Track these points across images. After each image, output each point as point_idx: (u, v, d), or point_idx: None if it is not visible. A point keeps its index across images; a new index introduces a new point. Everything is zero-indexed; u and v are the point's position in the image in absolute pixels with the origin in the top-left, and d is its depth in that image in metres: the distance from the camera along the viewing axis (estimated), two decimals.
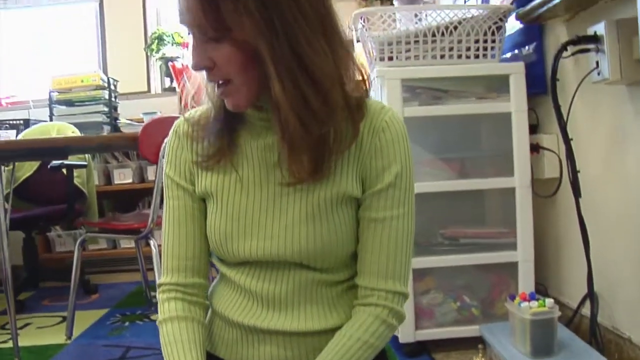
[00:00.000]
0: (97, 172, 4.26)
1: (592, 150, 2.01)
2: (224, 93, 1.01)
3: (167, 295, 1.12)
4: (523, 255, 2.24)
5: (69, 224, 4.12)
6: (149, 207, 4.34)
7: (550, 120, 2.25)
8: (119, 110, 4.49)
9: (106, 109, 4.29)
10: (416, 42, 2.24)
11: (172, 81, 4.65)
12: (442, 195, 2.27)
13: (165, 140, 1.16)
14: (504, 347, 1.97)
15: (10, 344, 2.67)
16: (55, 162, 3.06)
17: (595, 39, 1.78)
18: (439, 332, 2.28)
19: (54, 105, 4.28)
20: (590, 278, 1.97)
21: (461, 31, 2.23)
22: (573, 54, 1.88)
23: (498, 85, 2.25)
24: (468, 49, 2.26)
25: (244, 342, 1.12)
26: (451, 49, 2.25)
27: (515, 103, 2.21)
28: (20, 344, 2.64)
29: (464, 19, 2.23)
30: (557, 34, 2.19)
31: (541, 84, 2.27)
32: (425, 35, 2.23)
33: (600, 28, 1.76)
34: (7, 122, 4.28)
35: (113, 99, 4.39)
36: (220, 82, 1.00)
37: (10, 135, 4.22)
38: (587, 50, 1.83)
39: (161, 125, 2.40)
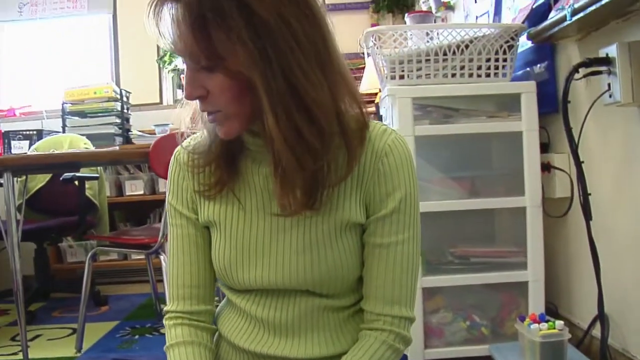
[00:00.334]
0: (109, 183, 4.28)
1: (604, 172, 2.00)
2: (215, 120, 0.99)
3: (174, 321, 1.12)
4: (533, 274, 2.22)
5: (81, 235, 4.14)
6: (160, 219, 4.38)
7: (561, 139, 2.24)
8: (131, 121, 4.52)
9: (118, 121, 4.32)
10: (427, 60, 2.24)
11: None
12: (453, 214, 2.26)
13: None
14: None
15: (20, 356, 2.68)
16: (67, 175, 3.08)
17: (607, 61, 1.77)
18: (449, 352, 2.26)
19: (66, 116, 4.32)
20: (601, 300, 1.96)
21: (472, 50, 2.23)
22: (585, 76, 1.87)
23: (509, 104, 2.25)
24: (479, 67, 2.25)
25: None
26: (462, 67, 2.25)
27: (527, 122, 2.20)
28: (30, 355, 2.65)
29: (476, 38, 2.23)
30: (569, 53, 2.18)
31: (552, 102, 2.26)
32: (436, 54, 2.22)
33: (612, 50, 1.75)
34: (21, 132, 4.32)
35: (125, 111, 4.42)
36: (212, 111, 0.98)
37: (23, 145, 4.26)
38: (599, 72, 1.82)
39: (172, 141, 2.39)
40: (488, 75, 2.26)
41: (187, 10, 0.88)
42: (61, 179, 3.06)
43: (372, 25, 4.72)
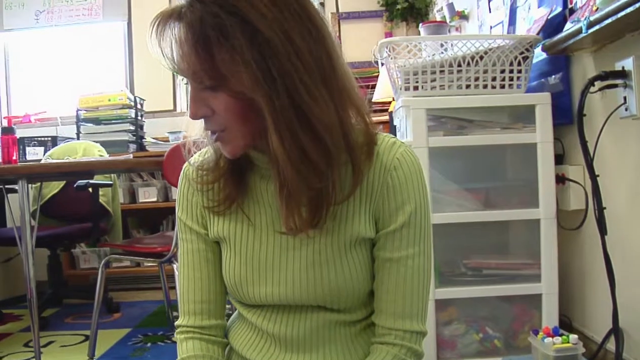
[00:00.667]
0: (122, 190, 4.30)
1: (619, 186, 1.99)
2: (219, 139, 0.98)
3: (185, 335, 1.12)
4: (547, 287, 2.21)
5: (94, 242, 4.16)
6: (173, 226, 4.40)
7: (576, 151, 2.23)
8: (145, 128, 4.54)
9: (132, 128, 4.34)
10: (442, 71, 2.23)
11: None
12: (466, 225, 2.25)
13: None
14: None
15: None
16: (81, 182, 3.09)
17: (623, 74, 1.77)
18: None
19: (81, 123, 4.35)
20: (616, 314, 1.94)
21: (487, 61, 2.22)
22: (600, 89, 1.87)
23: (524, 116, 2.24)
24: (494, 79, 2.25)
25: None
26: (477, 79, 2.25)
27: (541, 134, 2.19)
28: None
29: (490, 49, 2.22)
30: (584, 64, 2.17)
31: (567, 114, 2.25)
32: (450, 65, 2.22)
33: (628, 63, 1.75)
34: (36, 138, 4.36)
35: (139, 118, 4.44)
36: (217, 130, 0.97)
37: (38, 151, 4.29)
38: (615, 86, 1.81)
39: None
40: (503, 86, 2.25)
41: (190, 30, 0.88)
42: (75, 186, 3.08)
43: (386, 34, 4.73)
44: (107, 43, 5.01)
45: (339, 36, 4.75)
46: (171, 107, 4.85)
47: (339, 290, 1.04)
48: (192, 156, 1.12)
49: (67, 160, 3.35)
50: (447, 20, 3.62)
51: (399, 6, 4.65)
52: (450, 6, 3.62)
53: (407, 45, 2.24)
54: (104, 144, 4.05)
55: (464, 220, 2.24)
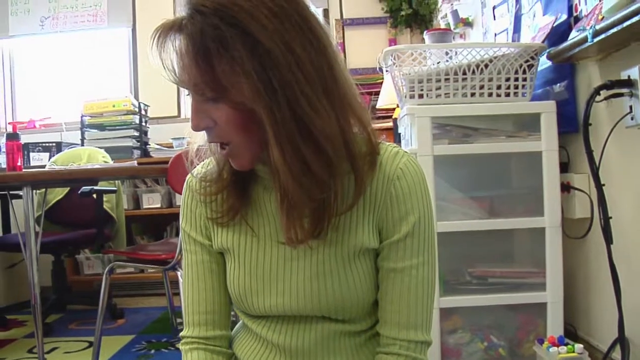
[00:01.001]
0: (126, 196, 4.30)
1: (625, 195, 1.99)
2: (228, 155, 0.98)
3: (190, 346, 1.12)
4: (552, 296, 2.20)
5: (98, 248, 4.16)
6: (177, 233, 4.40)
7: (581, 159, 2.23)
8: (149, 134, 4.55)
9: (136, 134, 4.35)
10: (447, 79, 2.23)
11: None
12: (471, 234, 2.25)
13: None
14: None
15: None
16: (85, 188, 3.10)
17: (629, 83, 1.76)
18: None
19: (85, 129, 4.35)
20: (621, 323, 1.93)
21: (492, 69, 2.22)
22: (606, 98, 1.86)
23: (529, 124, 2.24)
24: (499, 87, 2.24)
25: None
26: (482, 87, 2.25)
27: (546, 142, 2.19)
28: None
29: (495, 57, 2.22)
30: (589, 73, 2.17)
31: (572, 122, 2.25)
32: (455, 73, 2.22)
33: (634, 72, 1.74)
34: (40, 144, 4.36)
35: (143, 124, 4.45)
36: (222, 143, 0.97)
37: (42, 157, 4.30)
38: (621, 95, 1.81)
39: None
40: (508, 94, 2.25)
41: (190, 42, 0.88)
42: (79, 192, 3.09)
43: (390, 40, 4.73)
44: (112, 49, 5.02)
45: (343, 42, 4.75)
46: (175, 114, 4.86)
47: (344, 300, 1.04)
48: (194, 167, 1.12)
49: (71, 167, 3.35)
50: (452, 27, 3.62)
51: (403, 13, 4.66)
52: (455, 13, 3.62)
53: (412, 53, 2.24)
54: (108, 149, 4.05)
55: (468, 229, 2.23)
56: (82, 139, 4.36)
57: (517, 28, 2.73)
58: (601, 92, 1.86)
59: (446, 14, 3.83)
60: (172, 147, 4.32)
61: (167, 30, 0.91)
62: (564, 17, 2.22)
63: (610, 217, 1.89)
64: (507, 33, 2.87)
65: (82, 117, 4.38)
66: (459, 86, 2.24)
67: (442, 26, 3.95)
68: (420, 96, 2.25)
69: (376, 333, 1.09)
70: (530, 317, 2.30)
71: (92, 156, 3.89)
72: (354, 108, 0.98)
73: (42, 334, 2.66)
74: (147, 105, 4.56)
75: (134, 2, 4.88)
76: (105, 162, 3.82)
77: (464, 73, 2.23)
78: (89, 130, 4.36)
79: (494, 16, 3.10)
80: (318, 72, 0.92)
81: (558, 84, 2.35)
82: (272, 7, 0.88)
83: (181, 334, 1.14)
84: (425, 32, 2.69)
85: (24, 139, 3.93)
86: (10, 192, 3.22)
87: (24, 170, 2.99)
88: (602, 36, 1.76)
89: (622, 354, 1.95)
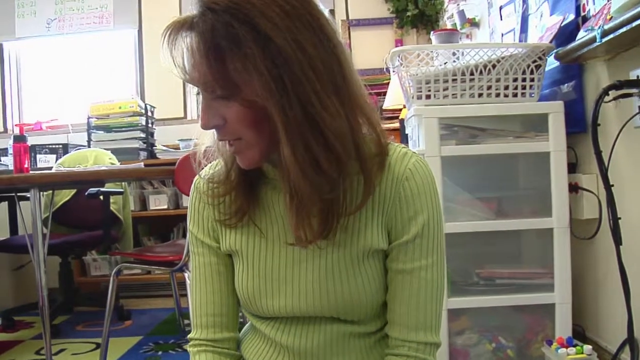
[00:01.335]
0: (133, 198, 4.31)
1: (634, 195, 1.98)
2: (236, 151, 0.98)
3: (198, 348, 1.12)
4: (560, 297, 2.20)
5: (105, 250, 4.16)
6: (184, 234, 4.40)
7: (589, 159, 2.22)
8: (156, 136, 4.55)
9: (143, 135, 4.36)
10: (454, 80, 2.23)
11: None
12: (479, 234, 2.24)
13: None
14: None
15: None
16: (92, 190, 3.10)
17: (638, 83, 1.76)
18: None
19: (92, 130, 4.36)
20: (631, 324, 1.93)
21: (499, 70, 2.22)
22: (615, 99, 1.85)
23: (536, 124, 2.23)
24: (506, 87, 2.24)
25: None
26: (489, 87, 2.24)
27: (554, 142, 2.18)
28: None
29: (503, 58, 2.22)
30: (597, 73, 2.16)
31: (580, 122, 2.24)
32: (463, 73, 2.22)
33: None
34: (47, 146, 4.38)
35: (150, 125, 4.45)
36: (231, 140, 0.97)
37: (49, 159, 4.31)
38: (630, 95, 1.80)
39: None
40: (515, 95, 2.24)
41: (202, 39, 0.88)
42: (86, 194, 3.09)
43: (396, 41, 4.73)
44: (118, 51, 5.03)
45: (349, 43, 4.75)
46: (182, 115, 4.86)
47: (352, 302, 1.03)
48: (202, 168, 1.11)
49: (78, 169, 3.36)
50: (458, 28, 3.62)
51: (409, 13, 4.65)
52: (461, 13, 3.61)
53: (419, 53, 2.24)
54: (114, 151, 4.06)
55: (476, 230, 2.23)
56: (89, 140, 4.37)
57: (524, 28, 2.72)
58: (610, 92, 1.85)
59: (452, 14, 3.83)
60: (178, 148, 4.33)
61: (178, 28, 0.91)
62: (572, 17, 2.21)
63: (620, 218, 1.88)
64: (514, 33, 2.87)
65: (88, 118, 4.39)
66: (467, 87, 2.24)
67: (449, 26, 3.94)
68: (428, 97, 2.24)
69: (386, 335, 1.09)
70: (539, 318, 2.29)
71: (99, 158, 3.90)
72: (363, 107, 0.98)
73: (49, 335, 2.66)
74: (154, 107, 4.56)
75: (140, 4, 4.88)
76: (112, 163, 3.82)
77: (472, 73, 2.22)
78: (95, 132, 4.37)
79: (501, 16, 3.09)
80: (328, 70, 0.92)
81: (566, 84, 2.34)
82: (283, 5, 0.89)
83: (189, 336, 1.14)
84: (432, 32, 2.68)
85: (31, 140, 3.93)
86: (18, 194, 3.22)
87: (31, 172, 2.99)
88: (611, 36, 1.75)
89: (632, 354, 1.95)
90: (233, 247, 1.09)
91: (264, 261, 1.06)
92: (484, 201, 2.30)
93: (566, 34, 2.21)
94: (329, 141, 0.91)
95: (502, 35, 3.07)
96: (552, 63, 2.35)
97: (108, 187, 3.39)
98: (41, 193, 2.96)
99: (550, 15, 2.40)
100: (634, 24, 1.63)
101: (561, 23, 2.23)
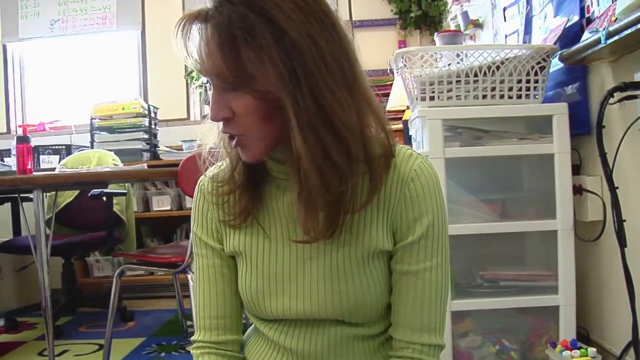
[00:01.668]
0: (136, 199, 4.30)
1: (639, 197, 1.97)
2: (238, 143, 0.98)
3: (201, 351, 1.12)
4: (564, 299, 2.19)
5: (108, 251, 4.16)
6: (187, 235, 4.40)
7: (594, 161, 2.21)
8: (159, 137, 4.55)
9: (146, 136, 4.35)
10: (458, 82, 2.22)
11: None
12: (483, 236, 2.24)
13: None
14: None
15: None
16: (95, 191, 3.10)
17: None
18: None
19: (95, 131, 4.36)
20: (635, 327, 1.92)
21: (503, 71, 2.21)
22: (619, 101, 1.85)
23: (541, 126, 2.23)
24: (510, 89, 2.23)
25: None
26: (493, 89, 2.23)
27: (558, 144, 2.17)
28: None
29: (507, 59, 2.21)
30: (602, 74, 2.16)
31: (585, 124, 2.23)
32: (467, 75, 2.21)
33: None
34: (50, 147, 4.38)
35: (153, 126, 4.45)
36: (236, 134, 0.97)
37: (52, 160, 4.32)
38: (634, 97, 1.79)
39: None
40: (519, 96, 2.24)
41: (217, 29, 0.89)
42: (89, 195, 3.09)
43: (399, 42, 4.72)
44: (121, 52, 5.04)
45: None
46: (185, 116, 4.86)
47: (357, 303, 1.03)
48: (207, 166, 1.12)
49: (81, 170, 3.36)
50: (462, 29, 3.61)
51: (412, 14, 4.65)
52: (465, 15, 3.61)
53: (423, 55, 2.23)
54: (118, 152, 4.06)
55: (480, 232, 2.22)
56: (92, 141, 4.37)
57: (528, 30, 2.72)
58: (615, 94, 1.84)
59: (456, 16, 3.82)
60: (181, 149, 4.33)
61: (192, 19, 0.93)
62: (576, 18, 2.21)
63: (624, 220, 1.87)
64: (518, 34, 2.86)
65: (91, 119, 4.39)
66: (470, 88, 2.23)
67: (452, 28, 3.93)
68: (432, 98, 2.24)
69: (390, 337, 1.09)
70: (542, 321, 2.28)
71: (102, 159, 3.90)
72: (372, 106, 0.99)
73: (52, 336, 2.66)
74: (157, 108, 4.56)
75: (143, 5, 4.89)
76: (115, 164, 3.82)
77: (475, 75, 2.22)
78: (98, 133, 4.37)
79: (505, 17, 3.09)
80: (339, 66, 0.93)
81: (570, 86, 2.34)
82: (297, 1, 0.91)
83: (192, 338, 1.14)
84: (435, 33, 2.68)
85: (34, 141, 3.94)
86: (21, 195, 3.22)
87: (34, 172, 2.99)
88: (616, 38, 1.75)
89: (636, 357, 1.93)
90: (237, 248, 1.09)
91: (268, 261, 1.06)
92: (487, 203, 2.29)
93: (570, 35, 2.21)
94: (340, 133, 0.92)
95: (506, 36, 3.06)
96: (556, 65, 2.34)
97: (111, 188, 3.40)
98: (44, 194, 2.96)
99: (555, 16, 2.39)
100: (639, 25, 1.62)
101: (565, 24, 2.23)
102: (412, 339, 1.04)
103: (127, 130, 4.33)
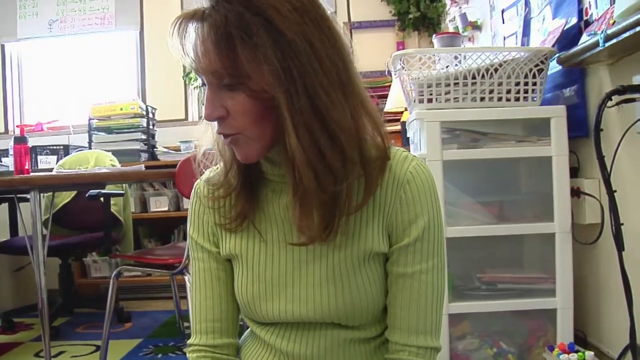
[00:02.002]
0: (134, 200, 4.30)
1: (636, 201, 1.97)
2: (233, 142, 0.98)
3: (197, 354, 1.12)
4: (562, 302, 2.18)
5: (106, 252, 4.16)
6: (184, 236, 4.39)
7: (591, 164, 2.21)
8: (157, 137, 4.55)
9: (144, 137, 4.35)
10: (456, 84, 2.22)
11: None
12: (480, 239, 2.24)
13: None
14: None
15: None
16: (92, 192, 3.10)
17: None
18: None
19: (93, 132, 4.36)
20: (633, 331, 1.91)
21: (502, 73, 2.21)
22: (617, 104, 1.84)
23: (539, 128, 2.22)
24: (508, 91, 2.23)
25: None
26: (491, 91, 2.23)
27: (556, 147, 2.17)
28: None
29: (505, 62, 2.21)
30: (600, 77, 2.15)
31: (583, 127, 2.23)
32: (465, 77, 2.21)
33: None
34: (48, 147, 4.37)
35: (151, 127, 4.45)
36: (231, 134, 0.97)
37: (50, 160, 4.31)
38: (632, 100, 1.79)
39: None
40: (517, 99, 2.23)
41: (213, 28, 0.89)
42: (87, 195, 3.09)
43: (398, 44, 4.72)
44: (119, 52, 5.04)
45: (351, 46, 4.73)
46: (183, 117, 4.86)
47: (354, 306, 1.03)
48: (202, 170, 1.12)
49: (79, 171, 3.35)
50: (460, 31, 3.61)
51: (411, 16, 4.65)
52: (463, 16, 3.61)
53: (421, 57, 2.23)
54: (115, 152, 4.06)
55: (478, 234, 2.22)
56: (90, 141, 4.37)
57: (526, 32, 2.72)
58: (613, 97, 1.84)
59: (454, 17, 3.82)
60: (179, 150, 4.33)
61: (188, 18, 0.93)
62: (574, 20, 2.21)
63: (622, 224, 1.87)
64: (516, 37, 2.86)
65: (89, 120, 4.39)
66: (468, 90, 2.23)
67: (451, 29, 3.94)
68: (430, 100, 2.23)
69: (386, 340, 1.08)
70: (540, 323, 2.28)
71: (100, 159, 3.89)
72: (367, 107, 1.00)
73: (49, 337, 2.66)
74: (155, 108, 4.57)
75: (141, 5, 4.89)
76: (113, 165, 3.82)
77: (474, 77, 2.21)
78: (96, 133, 4.37)
79: (503, 19, 3.09)
80: (335, 67, 0.94)
81: (568, 89, 2.33)
82: (293, 2, 0.91)
83: (189, 341, 1.14)
84: (434, 35, 2.67)
85: (32, 141, 3.94)
86: (18, 195, 3.22)
87: (31, 173, 2.99)
88: (614, 41, 1.74)
89: None
90: (233, 252, 1.08)
91: (264, 265, 1.06)
92: (485, 205, 2.29)
93: (569, 38, 2.21)
94: (334, 133, 0.92)
95: (504, 38, 3.06)
96: (554, 67, 2.34)
97: (109, 189, 3.40)
98: (41, 195, 2.96)
99: (553, 18, 2.39)
100: (638, 28, 1.62)
101: (564, 27, 2.23)
102: (408, 342, 1.04)
103: (125, 130, 4.34)
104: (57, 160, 4.22)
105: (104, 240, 3.51)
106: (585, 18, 2.15)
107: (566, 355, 1.88)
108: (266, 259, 1.06)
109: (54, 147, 4.40)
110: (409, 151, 1.07)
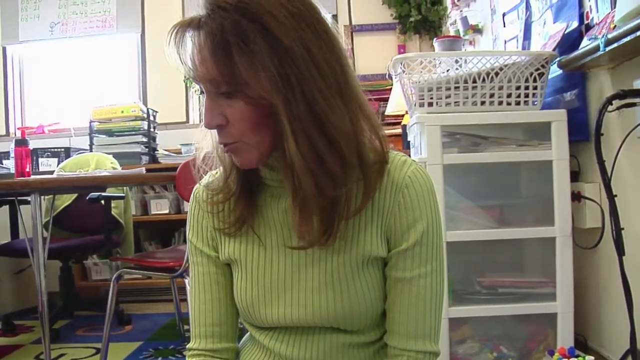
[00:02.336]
0: (134, 202, 4.29)
1: (637, 206, 1.97)
2: (232, 150, 0.98)
3: (197, 359, 1.11)
4: (562, 306, 2.18)
5: (106, 255, 4.16)
6: (185, 239, 4.38)
7: (592, 168, 2.21)
8: (158, 140, 4.55)
9: (145, 140, 4.35)
10: (456, 88, 2.22)
11: None
12: (481, 243, 2.24)
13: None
14: None
15: None
16: (93, 194, 3.10)
17: None
18: None
19: (94, 134, 4.36)
20: (633, 335, 1.91)
21: (502, 77, 2.21)
22: (618, 108, 1.84)
23: (539, 132, 2.22)
24: (509, 95, 2.23)
25: None
26: (492, 95, 2.23)
27: (557, 151, 2.17)
28: None
29: (505, 65, 2.21)
30: (601, 82, 2.16)
31: (583, 131, 2.23)
32: (465, 81, 2.21)
33: None
34: (49, 150, 4.38)
35: (152, 130, 4.45)
36: (230, 142, 0.97)
37: (51, 163, 4.31)
38: (633, 104, 1.79)
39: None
40: (518, 103, 2.24)
41: (210, 36, 0.89)
42: (87, 198, 3.09)
43: (399, 47, 4.72)
44: (121, 55, 5.04)
45: (352, 48, 4.74)
46: (184, 119, 4.86)
47: (352, 310, 1.02)
48: (201, 174, 1.12)
49: (79, 174, 3.35)
50: (461, 34, 3.61)
51: (412, 19, 4.65)
52: (464, 20, 3.61)
53: (422, 61, 2.23)
54: (116, 155, 4.05)
55: (478, 238, 2.22)
56: (91, 144, 4.36)
57: (527, 35, 2.72)
58: (613, 101, 1.84)
59: (455, 21, 3.82)
60: (180, 153, 4.33)
61: (185, 26, 0.93)
62: (575, 24, 2.21)
63: (623, 228, 1.86)
64: (517, 40, 2.86)
65: (90, 122, 4.38)
66: (469, 94, 2.23)
67: (452, 33, 3.94)
68: (430, 104, 2.23)
69: (385, 344, 1.08)
70: (540, 328, 2.28)
71: (100, 162, 3.89)
72: (365, 111, 0.99)
73: (49, 340, 2.66)
74: (156, 111, 4.56)
75: (143, 8, 4.89)
76: (114, 168, 3.82)
77: (474, 81, 2.21)
78: (97, 136, 4.37)
79: (504, 23, 3.09)
80: (332, 72, 0.93)
81: (569, 93, 2.34)
82: (290, 8, 0.91)
83: (188, 346, 1.14)
84: (435, 39, 2.68)
85: (33, 144, 3.95)
86: (19, 198, 3.22)
87: (32, 175, 2.99)
88: (615, 45, 1.75)
89: None
90: (232, 256, 1.08)
91: (263, 269, 1.05)
92: (486, 209, 2.29)
93: (569, 42, 2.21)
94: (333, 138, 0.92)
95: (505, 42, 3.06)
96: (555, 71, 2.34)
97: (109, 192, 3.39)
98: (42, 197, 2.96)
99: (554, 22, 2.39)
100: (638, 33, 1.62)
101: (564, 31, 2.23)
102: (407, 346, 1.03)
103: (126, 133, 4.33)
104: (58, 163, 4.22)
105: (105, 243, 3.51)
106: (586, 22, 2.16)
107: (566, 359, 1.87)
108: (265, 263, 1.05)
109: (55, 150, 4.41)
110: (410, 155, 1.07)
